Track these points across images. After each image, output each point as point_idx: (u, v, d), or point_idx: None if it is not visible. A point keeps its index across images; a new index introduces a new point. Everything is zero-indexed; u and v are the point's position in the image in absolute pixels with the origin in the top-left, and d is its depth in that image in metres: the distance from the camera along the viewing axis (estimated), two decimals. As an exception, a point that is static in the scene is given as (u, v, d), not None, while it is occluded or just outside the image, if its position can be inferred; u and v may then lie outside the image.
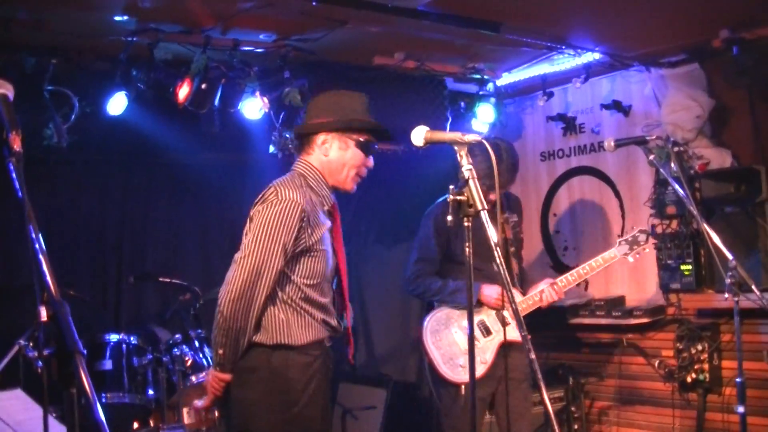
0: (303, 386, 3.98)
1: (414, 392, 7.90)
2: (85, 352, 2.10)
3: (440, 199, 5.50)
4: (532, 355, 3.11)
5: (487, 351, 5.31)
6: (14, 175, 2.34)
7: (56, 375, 2.13)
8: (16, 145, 2.37)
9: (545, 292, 5.32)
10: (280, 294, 3.96)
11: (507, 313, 5.33)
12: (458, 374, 5.30)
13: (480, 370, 5.22)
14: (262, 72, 6.24)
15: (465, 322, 5.30)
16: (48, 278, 2.19)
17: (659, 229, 6.63)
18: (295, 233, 3.88)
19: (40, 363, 5.11)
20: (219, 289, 3.97)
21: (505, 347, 5.32)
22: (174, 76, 5.87)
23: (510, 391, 5.39)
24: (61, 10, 5.24)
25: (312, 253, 3.99)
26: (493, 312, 5.37)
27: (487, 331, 5.35)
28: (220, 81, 6.00)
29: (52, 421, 4.46)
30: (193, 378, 6.16)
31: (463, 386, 5.31)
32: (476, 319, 5.33)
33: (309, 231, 3.94)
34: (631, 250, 5.40)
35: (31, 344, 5.40)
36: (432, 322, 5.47)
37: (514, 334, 5.25)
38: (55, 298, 2.14)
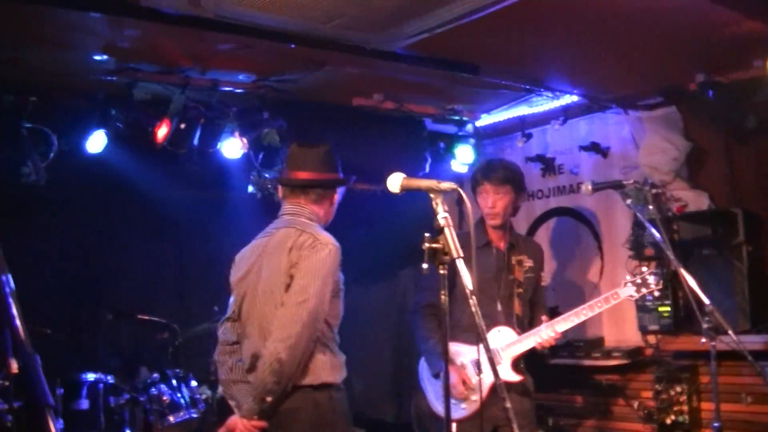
0: (345, 421, 4.09)
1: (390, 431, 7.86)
2: (52, 403, 2.07)
3: None
4: (508, 404, 3.09)
5: (478, 390, 5.21)
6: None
7: (26, 428, 2.11)
8: None
9: (541, 332, 5.23)
10: (319, 336, 4.03)
11: (501, 352, 5.26)
12: (451, 411, 5.26)
13: (471, 408, 5.19)
14: (241, 112, 6.25)
15: (461, 360, 5.28)
16: (19, 330, 2.17)
17: (638, 271, 6.63)
18: (336, 276, 4.06)
19: (9, 417, 5.05)
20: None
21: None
22: (152, 116, 5.89)
23: None
24: (40, 49, 5.25)
25: (339, 295, 4.17)
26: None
27: (479, 370, 5.25)
28: (198, 121, 6.02)
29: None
30: (171, 417, 6.11)
31: (455, 424, 5.21)
32: (472, 356, 5.26)
33: (339, 273, 4.12)
34: (638, 292, 5.27)
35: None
36: None
37: (506, 374, 5.22)
38: (26, 350, 2.12)
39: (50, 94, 5.88)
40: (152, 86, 5.82)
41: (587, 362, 6.99)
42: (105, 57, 5.42)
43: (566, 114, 6.91)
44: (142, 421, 6.12)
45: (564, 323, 5.26)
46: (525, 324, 5.49)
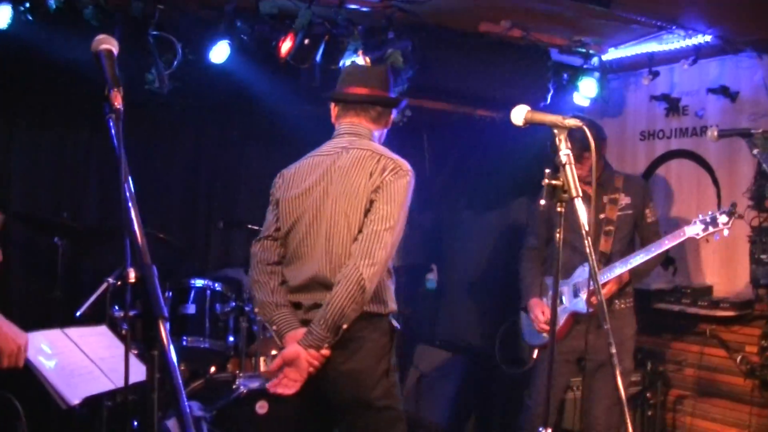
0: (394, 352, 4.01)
1: (493, 361, 7.89)
2: (166, 314, 2.13)
3: None
4: (613, 350, 3.09)
5: (557, 320, 5.41)
6: (113, 131, 2.39)
7: (140, 336, 2.17)
8: (117, 103, 2.42)
9: (614, 268, 5.42)
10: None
11: (582, 286, 5.40)
12: (533, 338, 5.74)
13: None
14: (366, 31, 6.20)
15: (551, 291, 5.48)
16: (138, 236, 2.22)
17: (755, 222, 6.45)
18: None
19: (125, 325, 5.23)
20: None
21: (583, 325, 5.38)
22: (278, 29, 5.90)
23: (589, 373, 5.61)
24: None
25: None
26: (572, 282, 5.41)
27: (560, 301, 5.50)
28: (323, 37, 6.00)
29: (134, 360, 4.58)
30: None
31: (536, 349, 5.74)
32: (561, 288, 5.54)
33: None
34: (704, 231, 5.20)
35: (117, 307, 5.55)
36: None
37: (578, 306, 5.46)
38: (144, 260, 2.17)
39: (177, 3, 5.93)
40: (279, 0, 5.82)
41: (693, 310, 6.86)
42: (234, -31, 5.44)
43: (697, 54, 6.66)
44: (246, 330, 6.21)
45: (635, 258, 5.35)
46: (616, 260, 5.53)
